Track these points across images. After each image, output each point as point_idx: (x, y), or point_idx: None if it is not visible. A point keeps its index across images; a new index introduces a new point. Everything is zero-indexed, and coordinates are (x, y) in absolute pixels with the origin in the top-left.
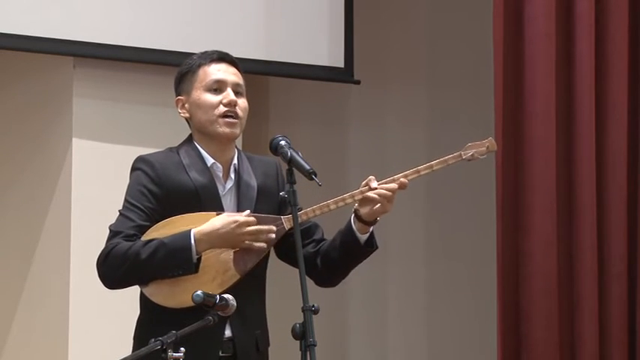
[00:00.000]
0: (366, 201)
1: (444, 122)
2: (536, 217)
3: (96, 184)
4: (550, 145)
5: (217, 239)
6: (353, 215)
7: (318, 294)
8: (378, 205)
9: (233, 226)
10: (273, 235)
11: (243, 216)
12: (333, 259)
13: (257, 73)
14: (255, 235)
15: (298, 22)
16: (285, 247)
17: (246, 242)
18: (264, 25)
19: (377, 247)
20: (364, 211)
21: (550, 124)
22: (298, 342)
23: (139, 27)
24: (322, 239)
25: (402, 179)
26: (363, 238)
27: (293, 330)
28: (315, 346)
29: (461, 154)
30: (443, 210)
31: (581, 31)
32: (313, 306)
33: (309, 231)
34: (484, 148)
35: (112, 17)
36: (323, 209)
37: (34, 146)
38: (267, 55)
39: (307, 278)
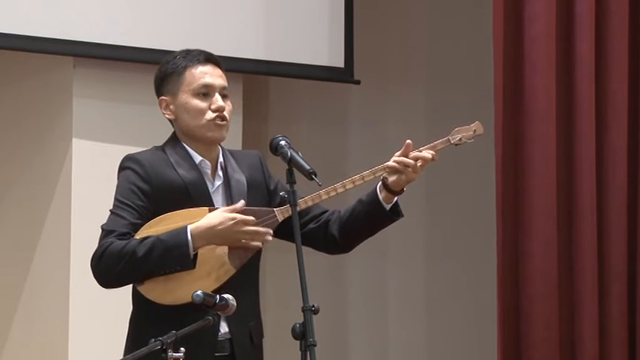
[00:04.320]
0: (392, 170)
1: (444, 122)
2: (537, 218)
3: (96, 184)
4: (550, 145)
5: (214, 236)
6: (380, 184)
7: (318, 294)
8: (402, 174)
9: (230, 223)
10: (270, 238)
11: (238, 207)
12: (355, 228)
13: (257, 73)
14: (252, 236)
15: (298, 22)
16: (284, 231)
17: (243, 241)
18: (264, 25)
19: (403, 215)
20: (391, 179)
21: (550, 124)
22: (298, 342)
23: (138, 27)
24: (323, 212)
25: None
26: (388, 207)
27: (293, 330)
28: (315, 346)
29: (449, 139)
30: (443, 210)
31: (581, 31)
32: (313, 306)
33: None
34: (471, 132)
35: (112, 17)
36: (315, 199)
37: (34, 146)
38: (267, 55)
39: (307, 276)
